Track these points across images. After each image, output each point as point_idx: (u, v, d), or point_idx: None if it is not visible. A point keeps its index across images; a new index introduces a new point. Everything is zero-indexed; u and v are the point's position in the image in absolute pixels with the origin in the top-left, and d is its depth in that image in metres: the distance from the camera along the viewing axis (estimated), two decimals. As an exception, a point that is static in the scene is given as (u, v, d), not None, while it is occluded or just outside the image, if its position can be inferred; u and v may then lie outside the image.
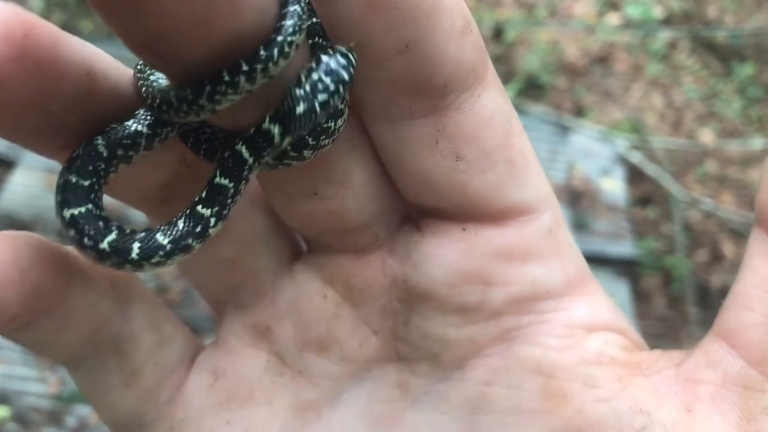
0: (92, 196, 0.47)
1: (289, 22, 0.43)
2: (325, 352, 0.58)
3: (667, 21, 5.47)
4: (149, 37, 0.40)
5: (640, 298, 4.02)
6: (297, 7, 0.43)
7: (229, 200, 0.48)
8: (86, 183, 0.47)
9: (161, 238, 0.47)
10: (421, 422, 0.57)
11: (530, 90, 4.91)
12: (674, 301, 4.07)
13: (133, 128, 0.48)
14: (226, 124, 0.49)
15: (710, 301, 4.01)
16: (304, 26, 0.44)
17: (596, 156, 4.49)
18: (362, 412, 0.58)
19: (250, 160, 0.46)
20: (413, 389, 0.57)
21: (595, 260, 3.96)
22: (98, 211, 0.47)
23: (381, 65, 0.47)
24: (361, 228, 0.55)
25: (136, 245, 0.47)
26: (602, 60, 5.23)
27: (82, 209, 0.47)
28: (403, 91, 0.48)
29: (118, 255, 0.46)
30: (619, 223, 4.20)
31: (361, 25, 0.45)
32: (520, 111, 4.69)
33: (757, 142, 4.74)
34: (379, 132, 0.51)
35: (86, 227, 0.46)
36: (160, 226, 0.48)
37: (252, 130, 0.46)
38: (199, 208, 0.47)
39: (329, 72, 0.45)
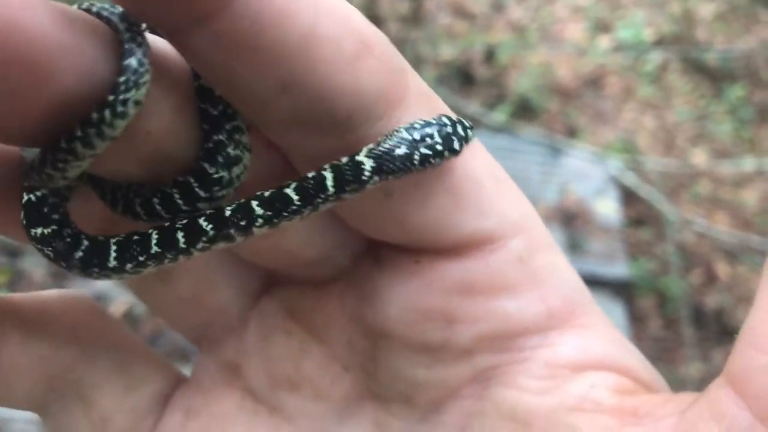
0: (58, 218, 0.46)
1: (122, 79, 0.39)
2: (297, 390, 0.54)
3: (658, 43, 5.51)
4: None
5: (636, 320, 4.01)
6: (133, 60, 0.40)
7: (286, 213, 0.44)
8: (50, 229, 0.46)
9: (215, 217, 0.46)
10: None
11: (522, 112, 4.92)
12: (669, 322, 4.06)
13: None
14: (127, 177, 0.46)
15: (705, 322, 3.99)
16: (143, 80, 0.40)
17: (589, 177, 4.50)
18: None
19: (331, 190, 0.44)
20: (394, 430, 0.52)
21: (590, 282, 3.92)
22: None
23: (267, 108, 0.43)
24: (317, 261, 0.51)
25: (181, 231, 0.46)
26: (594, 82, 5.26)
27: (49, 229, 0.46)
28: (304, 130, 0.44)
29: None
30: (613, 244, 4.19)
31: (225, 71, 0.41)
32: (513, 133, 4.71)
33: (748, 163, 4.76)
34: (301, 171, 0.47)
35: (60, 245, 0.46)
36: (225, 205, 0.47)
37: (345, 159, 0.44)
38: (254, 203, 0.45)
39: (443, 134, 0.44)
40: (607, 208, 4.35)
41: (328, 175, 0.43)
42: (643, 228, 4.45)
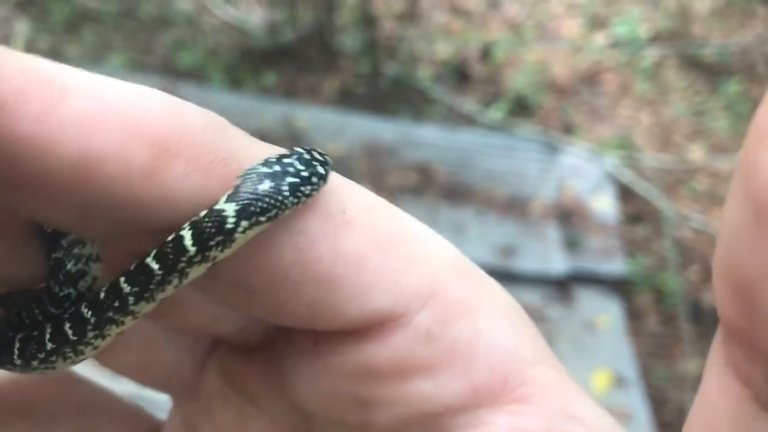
0: None
1: None
2: None
3: (654, 39, 5.51)
4: None
5: (634, 316, 4.01)
6: None
7: (153, 286, 0.39)
8: None
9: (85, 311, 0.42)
10: None
11: (519, 110, 4.92)
12: (667, 318, 4.06)
13: None
14: None
15: (703, 318, 3.99)
16: None
17: (586, 174, 4.50)
18: None
19: (192, 250, 0.38)
20: None
21: (587, 279, 3.95)
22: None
23: (82, 230, 0.40)
24: (240, 331, 0.48)
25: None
26: (590, 79, 5.26)
27: None
28: (135, 242, 0.40)
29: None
30: (610, 241, 4.20)
31: (13, 205, 0.37)
32: (509, 131, 4.71)
33: (745, 158, 4.76)
34: None
35: None
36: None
37: (204, 212, 0.38)
38: (122, 280, 0.40)
39: (303, 161, 0.39)
40: (604, 205, 4.35)
41: (186, 234, 0.37)
42: (640, 224, 4.45)
